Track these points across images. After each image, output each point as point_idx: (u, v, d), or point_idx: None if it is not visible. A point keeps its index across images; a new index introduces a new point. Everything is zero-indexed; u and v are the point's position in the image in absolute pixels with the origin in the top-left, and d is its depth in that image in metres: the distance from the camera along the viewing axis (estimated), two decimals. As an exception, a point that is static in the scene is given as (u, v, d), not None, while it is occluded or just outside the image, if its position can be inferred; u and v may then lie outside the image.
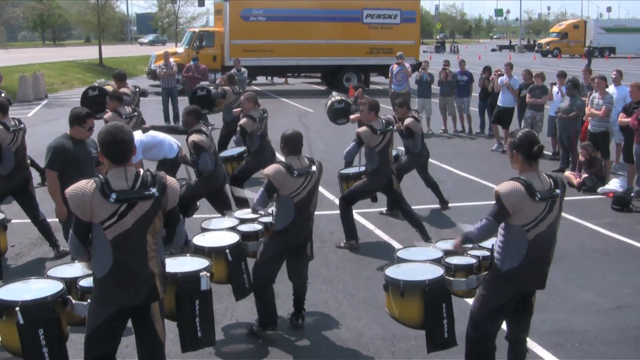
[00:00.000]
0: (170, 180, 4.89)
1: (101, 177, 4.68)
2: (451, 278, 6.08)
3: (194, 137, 8.96)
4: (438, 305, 5.89)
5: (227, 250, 6.90)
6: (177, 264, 6.13)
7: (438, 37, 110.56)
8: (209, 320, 5.94)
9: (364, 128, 9.64)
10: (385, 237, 10.37)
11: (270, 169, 6.79)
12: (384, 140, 9.60)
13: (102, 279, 4.77)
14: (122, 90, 13.53)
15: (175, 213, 4.96)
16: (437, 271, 6.08)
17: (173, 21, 74.83)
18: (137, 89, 14.76)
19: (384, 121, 9.70)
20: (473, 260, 6.23)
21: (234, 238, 7.12)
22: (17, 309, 5.08)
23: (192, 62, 23.01)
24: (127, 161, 4.77)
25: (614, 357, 6.78)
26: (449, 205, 11.82)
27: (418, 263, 6.35)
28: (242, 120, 11.15)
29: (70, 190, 4.66)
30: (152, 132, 10.30)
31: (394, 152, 10.32)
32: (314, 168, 6.89)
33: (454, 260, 6.28)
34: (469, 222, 5.82)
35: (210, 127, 11.37)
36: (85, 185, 4.63)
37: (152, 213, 4.72)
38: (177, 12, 71.16)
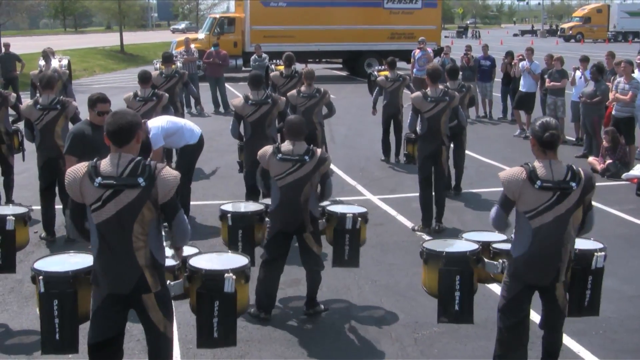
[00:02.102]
0: (166, 172, 4.72)
1: (95, 160, 4.72)
2: (486, 260, 6.08)
3: (232, 101, 9.81)
4: (451, 276, 5.92)
5: (229, 215, 7.39)
6: (214, 260, 5.94)
7: (467, 22, 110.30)
8: (228, 323, 5.61)
9: (416, 93, 10.04)
10: (407, 223, 10.34)
11: (260, 150, 6.99)
12: (435, 107, 9.71)
13: (94, 261, 4.85)
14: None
15: (170, 206, 4.78)
16: (467, 248, 6.12)
17: (194, 7, 75.01)
18: (177, 74, 14.78)
19: (442, 91, 9.84)
20: None
21: (253, 208, 7.64)
22: (41, 277, 5.25)
23: (212, 48, 22.98)
24: (124, 145, 4.72)
25: (637, 345, 6.73)
26: (473, 190, 11.81)
27: (463, 241, 6.42)
28: (289, 92, 11.58)
29: (68, 171, 4.74)
30: (172, 118, 10.31)
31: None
32: (307, 157, 6.82)
33: (501, 245, 6.25)
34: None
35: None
36: (80, 167, 4.70)
37: (139, 203, 4.64)
38: (198, -2, 71.26)
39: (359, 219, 7.43)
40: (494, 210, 5.39)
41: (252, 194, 9.61)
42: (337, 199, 8.36)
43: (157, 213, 4.75)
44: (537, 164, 5.19)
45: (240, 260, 5.99)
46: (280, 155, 6.80)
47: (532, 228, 5.19)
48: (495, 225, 5.46)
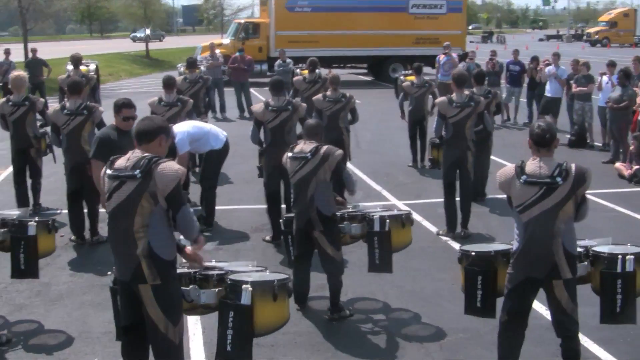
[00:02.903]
0: (165, 166, 4.94)
1: (114, 157, 5.17)
2: None
3: (252, 107, 9.91)
4: (474, 275, 6.00)
5: (281, 220, 7.94)
6: (255, 276, 5.73)
7: (471, 27, 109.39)
8: (243, 338, 5.42)
9: (441, 98, 10.10)
10: (433, 229, 10.29)
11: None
12: (460, 113, 9.68)
13: None
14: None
15: (174, 200, 4.96)
16: (496, 249, 6.15)
17: (219, 13, 75.25)
18: (201, 80, 14.91)
19: (468, 96, 9.81)
20: None
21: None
22: (109, 272, 5.62)
23: (237, 54, 23.06)
24: (143, 144, 5.08)
25: (667, 353, 6.65)
26: (498, 196, 11.74)
27: (501, 243, 6.40)
28: (315, 97, 11.65)
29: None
30: (198, 123, 10.34)
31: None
32: (309, 155, 7.08)
33: None
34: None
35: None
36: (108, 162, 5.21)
37: (137, 194, 4.94)
38: (223, 4, 71.49)
39: (387, 220, 7.36)
40: None
41: (271, 200, 9.60)
42: (361, 204, 8.31)
43: (158, 206, 4.97)
44: (528, 162, 5.44)
45: (273, 277, 5.71)
46: (291, 154, 7.24)
47: (523, 222, 5.43)
48: None
